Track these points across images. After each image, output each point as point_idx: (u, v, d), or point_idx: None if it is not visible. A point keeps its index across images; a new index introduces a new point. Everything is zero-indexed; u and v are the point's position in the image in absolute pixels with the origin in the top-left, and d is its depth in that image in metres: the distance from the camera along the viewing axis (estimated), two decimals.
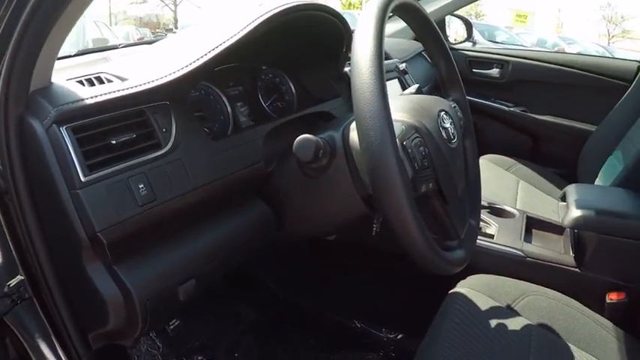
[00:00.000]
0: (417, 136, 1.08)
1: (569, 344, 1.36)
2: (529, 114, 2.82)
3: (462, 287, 1.47)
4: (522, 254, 1.60)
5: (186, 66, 1.04)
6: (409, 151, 1.03)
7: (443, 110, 1.20)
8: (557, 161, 2.71)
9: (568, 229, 1.75)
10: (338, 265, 1.97)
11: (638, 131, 2.21)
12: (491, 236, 1.68)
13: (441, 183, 1.10)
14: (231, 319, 1.91)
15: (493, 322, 1.36)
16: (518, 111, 2.85)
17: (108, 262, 0.89)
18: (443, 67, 1.36)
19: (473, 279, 1.52)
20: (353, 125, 1.13)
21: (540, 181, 2.41)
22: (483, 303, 1.42)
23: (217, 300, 1.98)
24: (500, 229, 1.71)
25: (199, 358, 1.72)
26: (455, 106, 1.32)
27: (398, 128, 1.04)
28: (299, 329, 1.94)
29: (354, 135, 1.12)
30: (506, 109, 2.86)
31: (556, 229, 1.78)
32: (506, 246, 1.63)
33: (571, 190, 1.72)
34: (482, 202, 1.87)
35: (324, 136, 1.13)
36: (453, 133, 1.18)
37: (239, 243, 1.23)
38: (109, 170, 0.87)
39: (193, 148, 1.05)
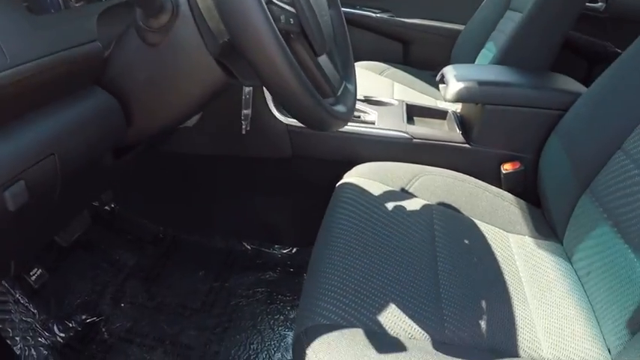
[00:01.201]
0: None
1: (473, 219, 1.22)
2: (397, 19, 2.66)
3: (349, 177, 1.28)
4: (408, 136, 1.43)
5: None
6: None
7: None
8: (430, 63, 2.59)
9: (450, 113, 1.61)
10: (214, 187, 1.72)
11: (506, 22, 2.16)
12: (372, 122, 1.48)
13: (303, 24, 0.88)
14: (110, 268, 1.65)
15: (390, 206, 1.17)
16: (385, 17, 2.68)
17: None
18: None
19: (360, 168, 1.33)
20: None
21: (415, 81, 2.28)
22: (375, 189, 1.23)
23: (92, 250, 1.69)
24: (381, 115, 1.53)
25: (83, 317, 1.47)
26: None
27: None
28: (186, 263, 1.71)
29: None
30: (373, 15, 2.68)
31: (438, 113, 1.63)
32: (390, 129, 1.44)
33: (449, 68, 1.56)
34: (358, 96, 1.69)
35: None
36: None
37: (78, 139, 0.96)
38: None
39: (7, 21, 0.81)
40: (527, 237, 1.23)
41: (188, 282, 1.63)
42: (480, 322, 0.93)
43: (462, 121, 1.53)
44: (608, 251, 1.03)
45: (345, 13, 2.48)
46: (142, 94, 1.04)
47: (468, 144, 1.43)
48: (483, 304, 0.96)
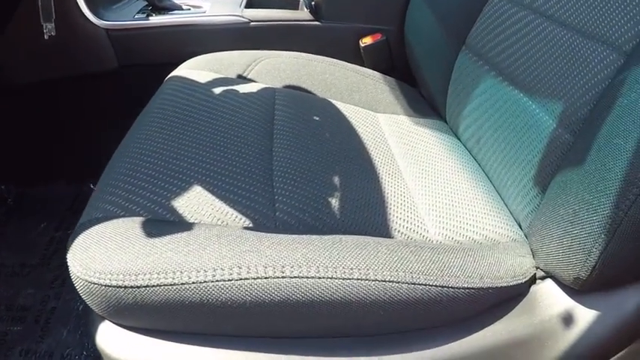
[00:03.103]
0: None
1: (330, 99, 0.90)
2: None
3: (177, 72, 0.94)
4: (245, 19, 1.08)
5: None
6: None
7: None
8: None
9: (302, 0, 1.26)
10: (44, 125, 1.33)
11: None
12: (203, 11, 1.12)
13: None
14: None
15: (219, 92, 0.85)
16: None
17: None
18: None
19: (191, 61, 1.01)
20: None
21: None
22: (205, 78, 0.90)
23: None
24: (215, 4, 1.17)
25: None
26: None
27: None
28: (29, 218, 1.38)
29: None
30: None
31: (288, 3, 1.28)
32: (223, 15, 1.09)
33: None
34: None
35: None
36: None
37: None
38: None
39: None
40: (401, 116, 0.94)
41: (29, 238, 1.34)
42: (329, 199, 0.62)
43: (315, 3, 1.20)
44: (497, 105, 0.76)
45: None
46: None
47: (318, 21, 1.10)
48: (336, 180, 0.65)
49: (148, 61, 1.16)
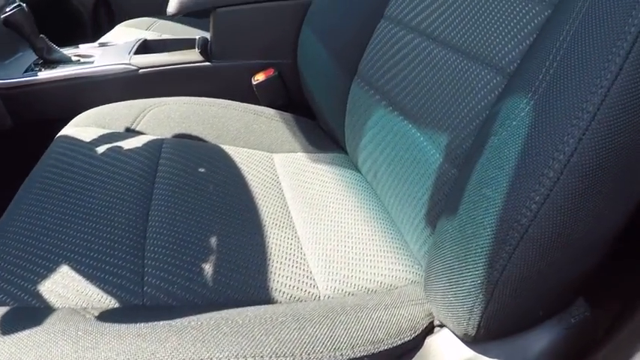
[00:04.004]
0: None
1: (221, 145, 0.84)
2: None
3: (64, 131, 0.85)
4: (133, 67, 1.00)
5: None
6: None
7: None
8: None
9: (198, 38, 1.19)
10: None
11: None
12: (91, 62, 1.03)
13: None
14: None
15: (103, 151, 0.78)
16: None
17: None
18: None
19: (78, 118, 0.92)
20: None
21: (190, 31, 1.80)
22: (91, 136, 0.82)
23: None
24: (105, 52, 1.08)
25: None
26: None
27: None
28: None
29: None
30: None
31: (186, 43, 1.20)
32: (110, 64, 1.00)
33: None
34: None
35: None
36: None
37: None
38: None
39: None
40: (299, 153, 0.88)
41: None
42: (202, 265, 0.56)
43: (206, 42, 1.12)
44: (389, 137, 0.71)
45: None
46: None
47: (209, 62, 1.03)
48: (212, 241, 0.59)
49: (43, 117, 1.06)
